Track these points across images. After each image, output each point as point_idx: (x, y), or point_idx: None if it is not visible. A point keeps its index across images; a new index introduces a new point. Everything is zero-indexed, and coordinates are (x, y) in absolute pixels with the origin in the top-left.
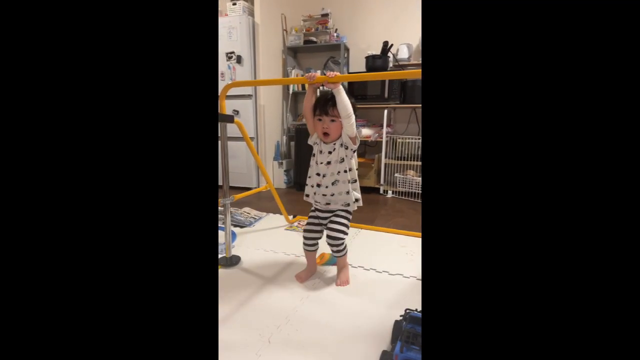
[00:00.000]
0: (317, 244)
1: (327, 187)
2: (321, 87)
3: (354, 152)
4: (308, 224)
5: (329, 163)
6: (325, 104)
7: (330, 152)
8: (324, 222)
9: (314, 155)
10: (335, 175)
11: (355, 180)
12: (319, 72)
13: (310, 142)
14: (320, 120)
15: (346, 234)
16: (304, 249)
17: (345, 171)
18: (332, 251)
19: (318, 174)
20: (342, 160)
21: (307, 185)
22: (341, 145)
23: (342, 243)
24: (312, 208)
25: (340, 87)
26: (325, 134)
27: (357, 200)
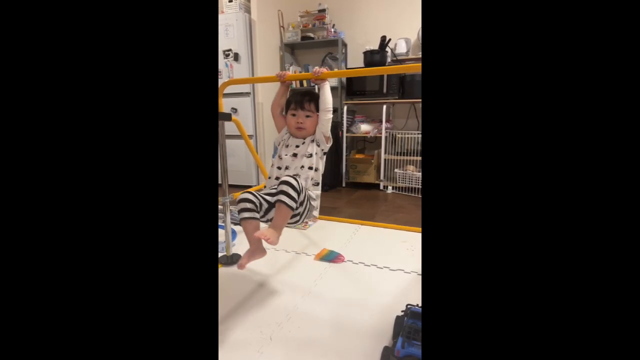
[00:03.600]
0: (255, 215)
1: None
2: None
3: (324, 153)
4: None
5: (294, 155)
6: (302, 98)
7: (297, 146)
8: (270, 199)
9: (276, 153)
10: (299, 169)
11: (318, 184)
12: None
13: (276, 142)
14: (294, 115)
15: (296, 201)
16: (241, 219)
17: (311, 168)
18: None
19: (279, 167)
20: (310, 155)
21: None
22: (312, 141)
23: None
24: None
25: (327, 82)
26: (299, 129)
27: (313, 204)
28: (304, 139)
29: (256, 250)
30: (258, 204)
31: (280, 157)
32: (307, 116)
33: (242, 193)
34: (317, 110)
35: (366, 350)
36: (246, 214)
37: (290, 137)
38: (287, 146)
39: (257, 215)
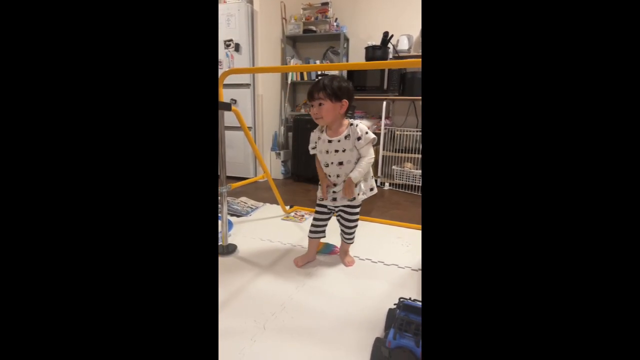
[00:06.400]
0: (323, 232)
1: (344, 180)
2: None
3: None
4: (317, 212)
5: (340, 164)
6: (312, 89)
7: (337, 151)
8: (336, 210)
9: (320, 156)
10: (350, 170)
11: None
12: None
13: (310, 149)
14: (312, 106)
15: (357, 224)
16: (309, 236)
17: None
18: (346, 239)
19: (338, 176)
20: (352, 149)
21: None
22: (346, 137)
23: (355, 233)
24: (319, 202)
25: (353, 177)
26: (318, 119)
27: (372, 189)
28: (339, 141)
29: (312, 258)
30: (325, 224)
31: (326, 165)
32: (320, 104)
33: (316, 215)
34: (329, 97)
35: (358, 340)
36: (314, 236)
37: (325, 135)
38: (327, 152)
39: (323, 236)
